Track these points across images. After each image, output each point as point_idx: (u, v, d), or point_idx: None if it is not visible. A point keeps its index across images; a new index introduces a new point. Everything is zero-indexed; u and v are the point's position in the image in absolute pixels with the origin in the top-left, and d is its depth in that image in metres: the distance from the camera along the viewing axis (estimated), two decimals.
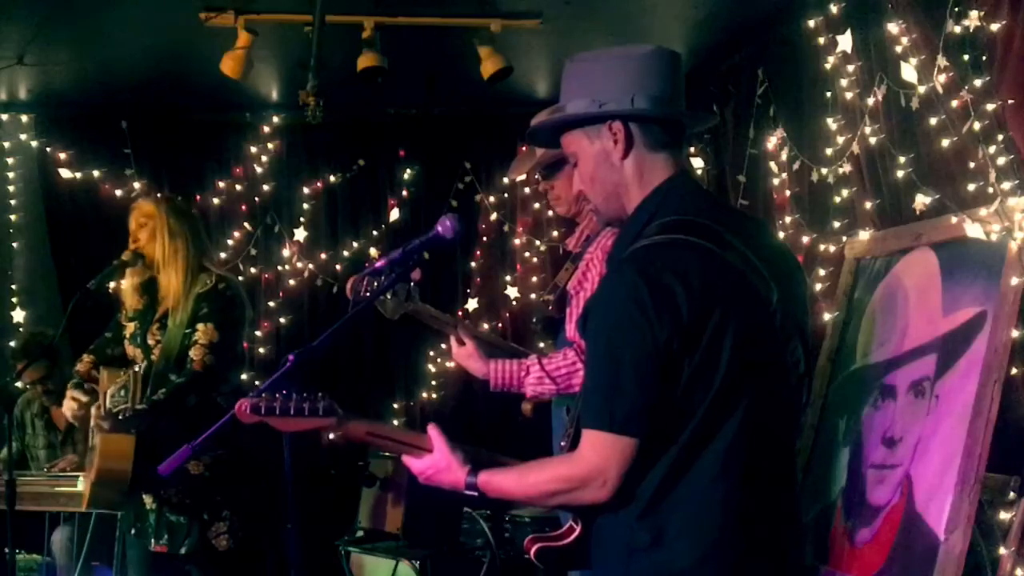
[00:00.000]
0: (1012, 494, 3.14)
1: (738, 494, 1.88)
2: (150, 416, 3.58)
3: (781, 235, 4.35)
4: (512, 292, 6.05)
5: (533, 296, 5.98)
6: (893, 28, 3.70)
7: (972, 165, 3.39)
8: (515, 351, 3.24)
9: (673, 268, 1.86)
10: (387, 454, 5.13)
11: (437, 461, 2.09)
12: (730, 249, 1.92)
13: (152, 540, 3.72)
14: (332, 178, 6.05)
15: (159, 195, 4.97)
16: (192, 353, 3.66)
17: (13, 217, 5.81)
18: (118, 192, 5.72)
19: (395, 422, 5.94)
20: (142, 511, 3.75)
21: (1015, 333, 3.19)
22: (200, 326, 3.67)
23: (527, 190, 6.09)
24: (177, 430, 3.24)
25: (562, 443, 2.16)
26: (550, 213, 5.96)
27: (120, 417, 3.57)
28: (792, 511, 2.03)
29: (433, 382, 6.02)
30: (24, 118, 5.78)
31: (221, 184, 5.88)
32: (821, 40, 4.18)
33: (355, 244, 6.03)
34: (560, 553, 2.09)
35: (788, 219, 4.50)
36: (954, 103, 3.44)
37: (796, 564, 2.04)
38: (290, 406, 2.11)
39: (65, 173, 5.72)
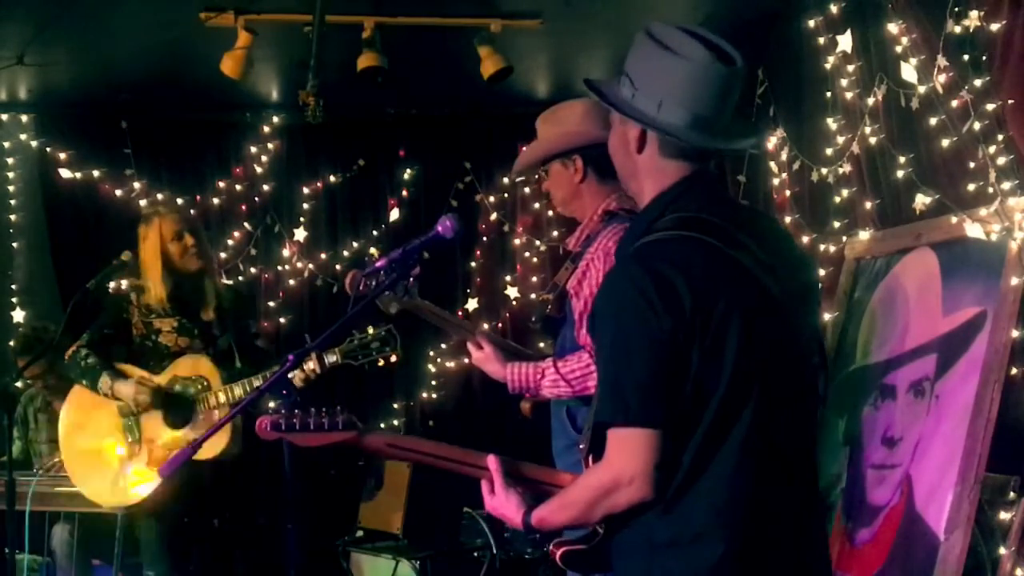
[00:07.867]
0: (1012, 494, 3.14)
1: (759, 487, 1.87)
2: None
3: None
4: (512, 292, 6.05)
5: (533, 296, 5.98)
6: (893, 28, 3.70)
7: (972, 165, 3.39)
8: (522, 354, 3.22)
9: (674, 261, 1.85)
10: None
11: (499, 499, 2.10)
12: (739, 247, 1.91)
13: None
14: (332, 178, 6.05)
15: (166, 200, 5.38)
16: (259, 343, 4.19)
17: (13, 217, 5.79)
18: (118, 192, 5.72)
19: (395, 423, 5.94)
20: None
21: (1015, 333, 3.19)
22: (251, 321, 4.23)
23: (527, 190, 6.10)
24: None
25: (580, 446, 2.14)
26: (550, 213, 5.96)
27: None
28: (813, 501, 2.03)
29: (433, 382, 6.02)
30: (24, 118, 5.77)
31: (221, 184, 5.88)
32: (821, 40, 4.18)
33: (355, 244, 6.03)
34: (587, 556, 2.07)
35: (788, 219, 4.50)
36: (954, 103, 3.44)
37: (820, 556, 2.03)
38: (309, 422, 2.11)
39: (65, 173, 5.71)
